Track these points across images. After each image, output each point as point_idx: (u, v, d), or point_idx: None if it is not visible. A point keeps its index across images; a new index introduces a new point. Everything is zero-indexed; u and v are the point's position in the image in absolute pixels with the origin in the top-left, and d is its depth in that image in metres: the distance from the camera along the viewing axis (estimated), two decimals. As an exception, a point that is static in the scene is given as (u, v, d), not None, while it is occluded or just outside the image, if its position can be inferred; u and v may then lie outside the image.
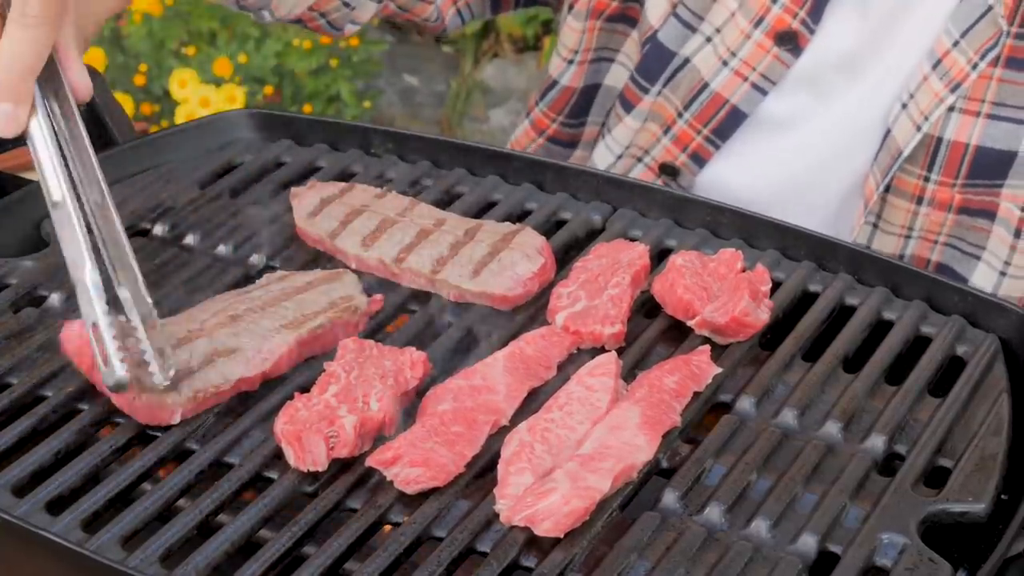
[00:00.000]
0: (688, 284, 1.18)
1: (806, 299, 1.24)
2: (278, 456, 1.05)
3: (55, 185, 1.06)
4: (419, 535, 1.00)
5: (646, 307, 1.22)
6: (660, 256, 1.28)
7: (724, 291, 1.18)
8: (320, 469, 1.04)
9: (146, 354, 1.04)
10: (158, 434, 1.07)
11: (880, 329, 1.20)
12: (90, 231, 1.06)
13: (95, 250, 1.06)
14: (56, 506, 1.00)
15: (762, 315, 1.19)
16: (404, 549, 0.99)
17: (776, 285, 1.23)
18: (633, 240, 1.28)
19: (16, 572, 1.02)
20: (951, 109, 1.42)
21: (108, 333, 1.02)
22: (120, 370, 1.02)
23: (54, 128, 1.07)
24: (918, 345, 1.19)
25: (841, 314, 1.22)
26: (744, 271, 1.21)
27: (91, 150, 1.07)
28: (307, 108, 3.63)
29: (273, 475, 1.04)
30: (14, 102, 1.04)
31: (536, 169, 1.37)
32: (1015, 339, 1.19)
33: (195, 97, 3.44)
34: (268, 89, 3.61)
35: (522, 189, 1.36)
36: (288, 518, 1.00)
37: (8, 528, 0.98)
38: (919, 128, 1.42)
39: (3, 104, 1.03)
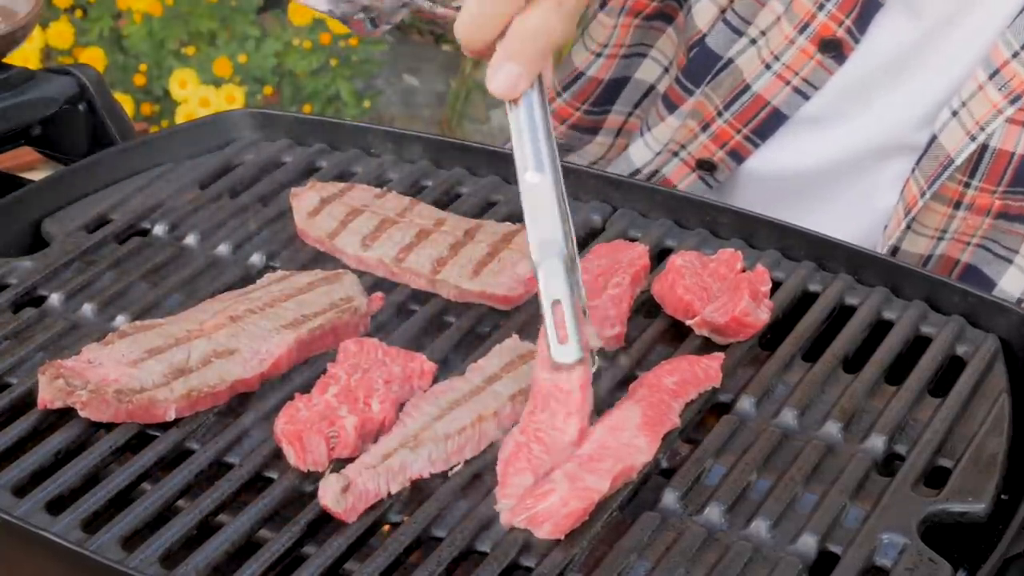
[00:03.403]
0: (688, 284, 1.18)
1: (806, 299, 1.24)
2: (278, 456, 1.05)
3: (539, 159, 1.04)
4: (419, 535, 1.00)
5: (646, 307, 1.22)
6: (660, 256, 1.27)
7: (724, 291, 1.18)
8: (320, 469, 1.04)
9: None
10: (158, 434, 1.07)
11: (880, 329, 1.20)
12: None
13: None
14: (56, 506, 1.00)
15: (762, 315, 1.19)
16: (404, 549, 0.99)
17: (776, 285, 1.23)
18: (633, 240, 1.28)
19: (16, 572, 1.02)
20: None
21: (572, 312, 1.02)
22: (578, 350, 1.02)
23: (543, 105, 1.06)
24: (918, 345, 1.19)
25: (841, 314, 1.22)
26: (744, 271, 1.21)
27: (552, 135, 1.06)
28: (307, 108, 3.63)
29: (273, 475, 1.04)
30: (526, 68, 1.03)
31: (536, 169, 1.36)
32: (1015, 339, 1.19)
33: (195, 97, 3.44)
34: (268, 89, 3.61)
35: (522, 189, 1.35)
36: (288, 518, 1.00)
37: (8, 528, 0.98)
38: (974, 138, 1.41)
39: (515, 65, 1.03)
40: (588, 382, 1.06)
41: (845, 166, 1.52)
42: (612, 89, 1.63)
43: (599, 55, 1.61)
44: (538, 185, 1.03)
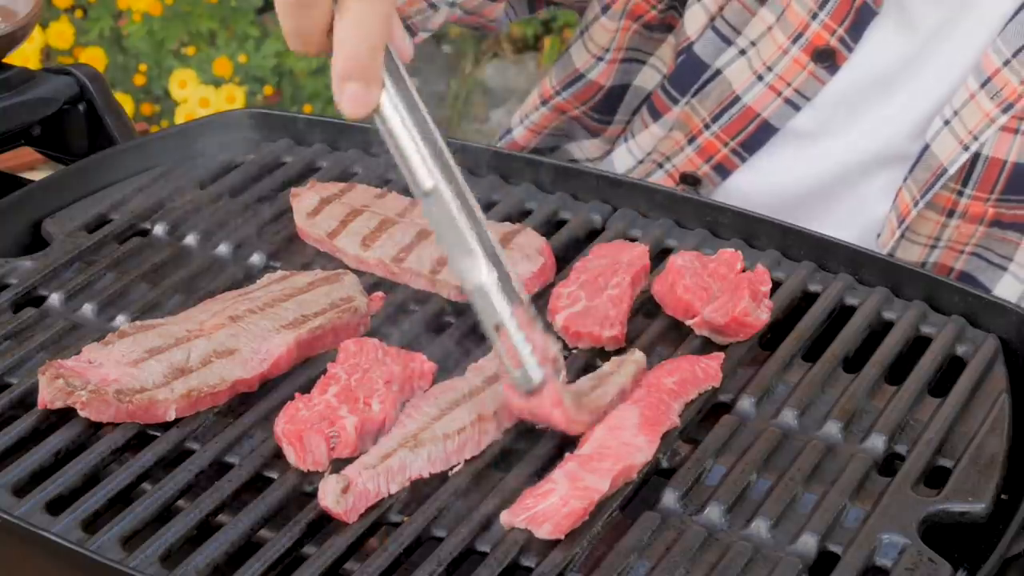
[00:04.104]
0: (688, 284, 1.18)
1: (806, 299, 1.24)
2: (278, 456, 1.05)
3: (425, 172, 0.93)
4: (419, 535, 1.00)
5: (646, 307, 1.22)
6: (660, 256, 1.27)
7: (724, 291, 1.18)
8: (321, 469, 1.04)
9: (523, 351, 0.94)
10: (158, 434, 1.07)
11: (880, 329, 1.20)
12: None
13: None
14: (56, 506, 1.00)
15: (762, 315, 1.19)
16: (404, 549, 0.99)
17: (776, 285, 1.23)
18: (633, 240, 1.28)
19: (16, 572, 1.02)
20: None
21: (518, 334, 0.93)
22: (537, 373, 0.93)
23: (403, 104, 0.94)
24: (918, 345, 1.19)
25: (841, 314, 1.22)
26: (744, 271, 1.21)
27: (433, 125, 0.94)
28: (307, 108, 3.63)
29: (273, 475, 1.04)
30: (366, 81, 0.93)
31: (536, 169, 1.37)
32: (1015, 339, 1.19)
33: (195, 97, 3.44)
34: (268, 89, 3.61)
35: (522, 189, 1.36)
36: (288, 518, 1.00)
37: (8, 528, 0.98)
38: (967, 147, 1.41)
39: (354, 84, 0.92)
40: (559, 400, 1.00)
41: (836, 178, 1.52)
42: (614, 96, 1.63)
43: (600, 59, 1.60)
44: (433, 197, 0.93)
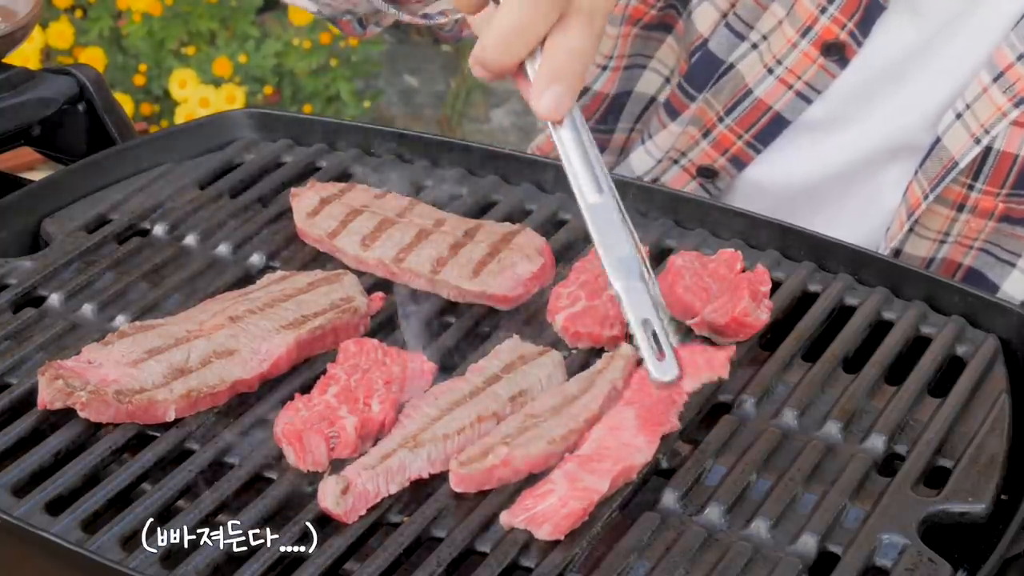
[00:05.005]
0: (688, 284, 1.18)
1: (806, 299, 1.24)
2: (278, 456, 1.05)
3: (595, 179, 1.03)
4: (419, 535, 1.00)
5: (646, 307, 1.22)
6: (660, 256, 1.27)
7: (724, 291, 1.18)
8: (320, 469, 1.04)
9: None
10: (158, 434, 1.07)
11: (880, 329, 1.20)
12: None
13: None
14: (56, 506, 1.00)
15: (762, 315, 1.18)
16: (404, 549, 0.99)
17: (776, 285, 1.23)
18: (633, 240, 1.28)
19: (16, 572, 1.02)
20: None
21: (660, 326, 0.99)
22: (675, 364, 0.98)
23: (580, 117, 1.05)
24: (918, 345, 1.19)
25: (841, 314, 1.22)
26: (744, 271, 1.21)
27: (593, 143, 1.04)
28: (307, 108, 3.63)
29: (273, 475, 1.04)
30: (570, 87, 1.02)
31: (536, 169, 1.37)
32: (1015, 339, 1.19)
33: (195, 97, 3.45)
34: (268, 89, 3.61)
35: (522, 189, 1.36)
36: (288, 518, 1.00)
37: (8, 528, 0.98)
38: (978, 141, 1.41)
39: (558, 87, 1.01)
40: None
41: (848, 170, 1.52)
42: (616, 103, 1.63)
43: (604, 68, 1.60)
44: (601, 205, 1.02)
